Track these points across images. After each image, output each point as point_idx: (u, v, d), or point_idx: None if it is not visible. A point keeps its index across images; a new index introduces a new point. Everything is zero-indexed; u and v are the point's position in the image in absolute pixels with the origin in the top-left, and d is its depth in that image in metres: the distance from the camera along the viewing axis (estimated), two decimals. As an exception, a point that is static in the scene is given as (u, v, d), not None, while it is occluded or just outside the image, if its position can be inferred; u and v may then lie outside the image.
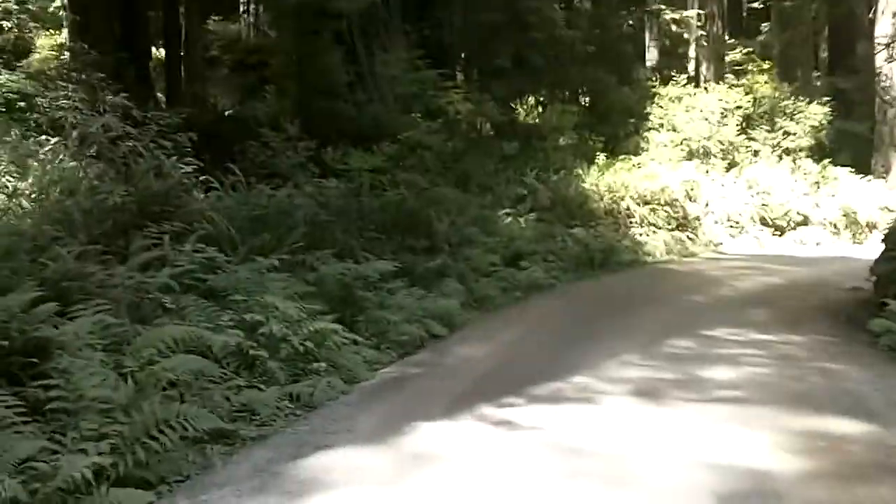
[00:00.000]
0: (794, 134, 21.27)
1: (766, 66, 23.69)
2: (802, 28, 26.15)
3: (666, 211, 17.05)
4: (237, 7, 25.99)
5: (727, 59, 23.46)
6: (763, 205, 19.11)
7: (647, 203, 16.95)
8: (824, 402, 6.20)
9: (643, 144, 19.03)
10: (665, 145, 18.97)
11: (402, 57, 15.78)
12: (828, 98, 21.93)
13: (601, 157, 17.65)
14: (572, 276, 13.32)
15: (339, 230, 10.55)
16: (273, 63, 18.97)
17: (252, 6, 25.73)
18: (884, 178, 23.95)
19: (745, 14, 28.72)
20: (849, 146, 25.52)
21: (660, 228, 16.69)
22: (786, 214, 19.48)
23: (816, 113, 21.34)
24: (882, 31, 24.61)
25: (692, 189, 17.96)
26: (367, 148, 11.96)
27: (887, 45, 24.27)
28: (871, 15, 25.39)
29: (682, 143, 19.35)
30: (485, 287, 11.09)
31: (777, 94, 22.22)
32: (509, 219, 14.55)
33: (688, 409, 5.94)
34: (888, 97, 24.61)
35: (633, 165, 18.05)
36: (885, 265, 10.35)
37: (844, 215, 20.43)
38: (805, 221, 19.84)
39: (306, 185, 11.03)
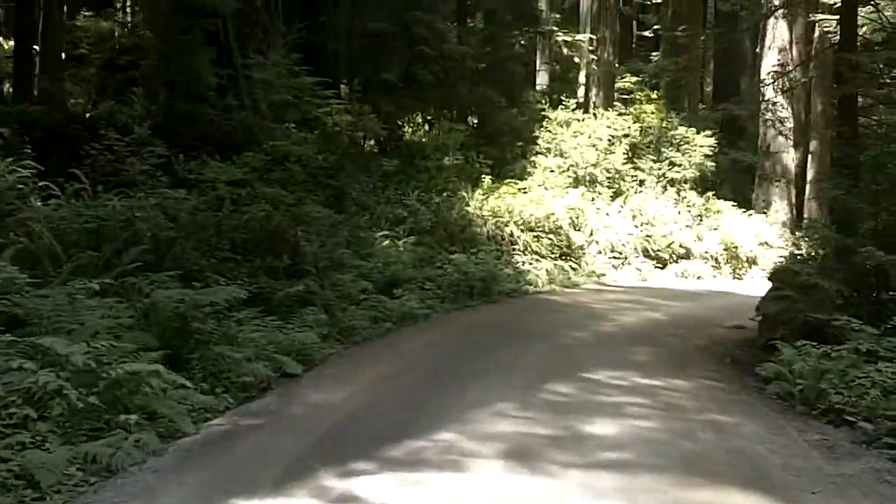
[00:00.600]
0: (680, 165, 21.17)
1: (654, 95, 23.66)
2: (690, 59, 26.34)
3: (550, 239, 16.47)
4: (111, 3, 24.28)
5: (617, 86, 23.28)
6: (647, 236, 18.82)
7: (531, 230, 16.34)
8: (719, 467, 5.47)
9: (530, 168, 18.46)
10: (552, 170, 18.45)
11: (280, 62, 14.65)
12: (713, 131, 21.96)
13: (487, 180, 16.95)
14: (450, 306, 12.48)
15: (190, 248, 9.37)
16: (143, 63, 17.54)
17: (127, 2, 24.08)
18: (765, 212, 24.26)
19: (634, 43, 28.85)
20: (732, 179, 25.82)
21: (543, 257, 16.09)
22: (669, 246, 19.26)
23: (702, 144, 21.31)
24: (769, 64, 25.03)
25: (577, 217, 17.48)
26: (227, 157, 10.77)
27: (773, 80, 24.69)
28: (757, 49, 25.81)
29: (569, 169, 18.89)
30: (353, 316, 10.10)
31: (664, 124, 22.14)
32: (387, 241, 13.65)
33: (567, 479, 5.08)
34: (771, 132, 25.01)
35: (519, 190, 17.43)
36: (773, 305, 9.91)
37: (726, 249, 20.42)
38: (687, 254, 19.69)
39: (154, 195, 9.78)
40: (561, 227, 16.91)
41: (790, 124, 25.17)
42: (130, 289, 7.56)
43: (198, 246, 9.45)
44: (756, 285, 18.73)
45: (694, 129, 21.92)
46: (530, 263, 15.66)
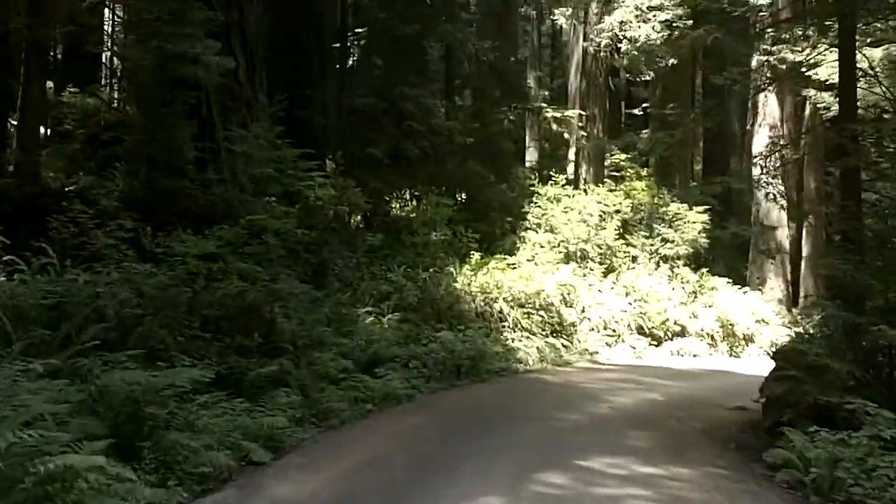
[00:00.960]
0: (673, 241, 20.79)
1: (644, 172, 23.46)
2: (680, 136, 26.26)
3: (541, 315, 15.92)
4: (97, 79, 24.16)
5: (607, 162, 23.07)
6: (641, 313, 18.30)
7: (521, 306, 15.80)
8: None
9: (520, 244, 18.03)
10: (542, 246, 18.02)
11: (262, 134, 14.28)
12: (705, 207, 21.65)
13: (475, 256, 16.47)
14: (436, 385, 11.84)
15: (156, 326, 8.77)
16: (127, 139, 17.24)
17: (113, 79, 23.95)
18: (760, 289, 23.79)
19: (623, 120, 28.84)
20: (725, 255, 25.43)
21: (534, 334, 15.51)
22: (663, 323, 18.72)
23: (695, 221, 20.97)
24: (760, 142, 24.89)
25: (569, 293, 16.97)
26: (199, 231, 10.25)
27: (765, 157, 24.52)
28: (747, 126, 25.74)
29: (559, 245, 18.46)
30: (330, 397, 9.46)
31: (655, 200, 21.86)
32: (370, 318, 13.06)
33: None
34: (764, 209, 24.73)
35: (509, 265, 16.96)
36: (778, 386, 9.31)
37: (722, 327, 19.89)
38: (683, 332, 19.15)
39: (120, 270, 9.23)
40: (552, 304, 16.38)
41: (783, 201, 24.93)
42: (83, 370, 6.93)
43: (165, 323, 8.85)
44: (754, 364, 18.12)
45: (686, 205, 21.61)
46: (520, 341, 15.08)
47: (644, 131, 27.69)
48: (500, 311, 15.39)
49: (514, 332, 15.33)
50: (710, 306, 20.38)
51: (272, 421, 7.63)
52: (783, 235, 24.68)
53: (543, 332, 15.79)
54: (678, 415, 10.82)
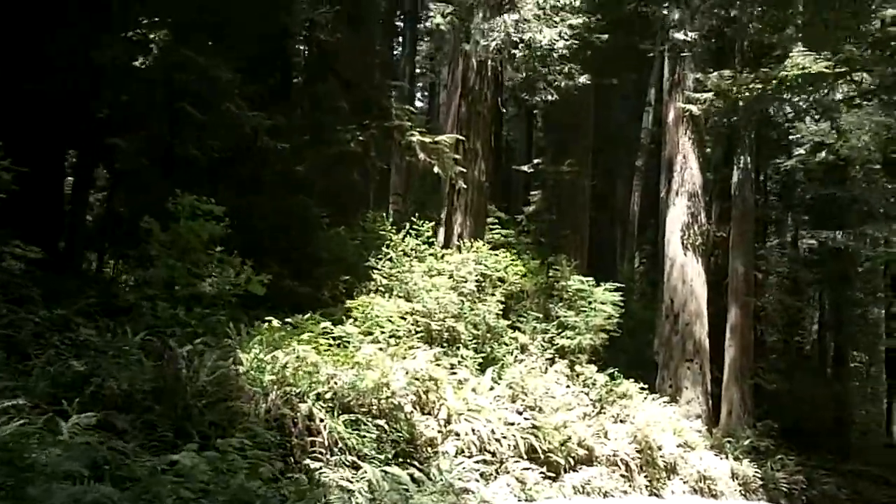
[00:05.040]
0: (574, 328, 15.04)
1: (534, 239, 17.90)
2: (578, 197, 21.00)
3: (380, 427, 9.59)
4: None
5: (489, 219, 17.34)
6: (533, 427, 12.17)
7: (347, 410, 9.46)
8: None
9: (356, 313, 11.73)
10: (390, 319, 11.77)
11: None
12: (615, 285, 16.09)
13: (272, 322, 10.03)
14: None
15: None
16: None
17: None
18: (676, 400, 18.31)
19: (504, 179, 23.47)
20: (623, 352, 19.96)
21: (365, 458, 9.13)
22: (564, 445, 12.66)
23: (603, 302, 15.33)
24: (677, 214, 19.80)
25: (427, 392, 10.79)
26: None
27: (683, 233, 19.44)
28: (662, 194, 20.74)
29: (417, 320, 12.33)
30: None
31: (552, 274, 16.21)
32: (17, 424, 6.40)
33: None
34: (679, 298, 19.51)
35: (335, 344, 10.67)
36: None
37: (640, 452, 14.06)
38: (590, 457, 13.17)
39: None
40: (401, 408, 10.11)
41: (703, 290, 19.82)
42: None
43: None
44: None
45: (591, 281, 16.01)
46: (339, 471, 8.66)
47: (533, 193, 22.34)
48: (309, 418, 8.97)
49: (331, 454, 8.92)
50: (622, 421, 14.61)
51: None
52: (703, 333, 19.42)
53: (382, 456, 9.41)
54: None
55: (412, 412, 10.34)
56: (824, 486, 19.32)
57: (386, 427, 9.69)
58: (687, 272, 19.34)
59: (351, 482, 8.70)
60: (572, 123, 22.23)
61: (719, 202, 22.72)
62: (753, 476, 17.22)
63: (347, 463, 8.96)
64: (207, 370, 8.56)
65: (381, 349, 11.12)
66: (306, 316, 10.46)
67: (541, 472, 11.83)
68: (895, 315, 25.89)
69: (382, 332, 11.19)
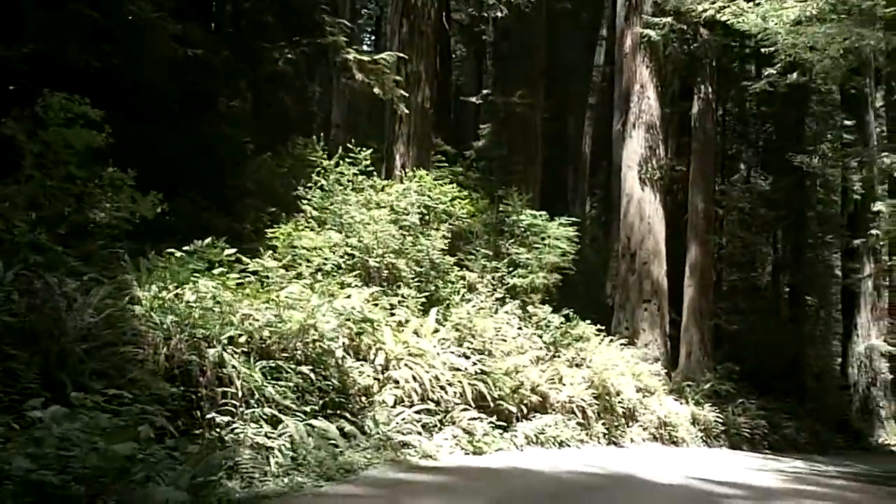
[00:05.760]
0: (527, 267, 13.88)
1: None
2: (530, 133, 19.69)
3: (305, 375, 8.33)
4: None
5: (436, 155, 16.00)
6: (481, 373, 11.02)
7: (266, 356, 8.16)
8: None
9: (278, 245, 10.35)
10: (321, 252, 10.42)
11: None
12: (571, 219, 14.92)
13: (177, 255, 8.63)
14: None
15: None
16: None
17: None
18: (633, 343, 17.34)
19: (453, 111, 22.08)
20: (578, 292, 18.94)
21: (289, 412, 7.86)
22: (516, 392, 11.58)
23: (558, 238, 14.16)
24: (634, 147, 18.67)
25: (362, 335, 9.54)
26: None
27: (640, 167, 18.32)
28: (616, 126, 19.55)
29: (351, 254, 11.02)
30: None
31: (502, 209, 14.99)
32: None
33: None
34: (636, 236, 18.47)
35: (258, 281, 9.32)
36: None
37: (597, 398, 13.06)
38: (544, 405, 12.13)
39: None
40: (330, 353, 8.84)
41: (661, 227, 18.79)
42: None
43: None
44: (650, 456, 12.25)
45: (544, 215, 14.82)
46: (254, 426, 7.39)
47: (483, 126, 20.99)
48: (220, 365, 7.65)
49: (247, 407, 7.63)
50: (578, 365, 13.58)
51: None
52: (661, 273, 18.46)
53: (308, 408, 8.15)
54: None
55: (344, 357, 9.08)
56: (785, 431, 18.68)
57: (312, 375, 8.42)
58: (644, 208, 18.29)
59: (269, 438, 7.45)
60: (523, 54, 20.86)
61: (677, 137, 21.63)
62: (714, 422, 16.43)
63: (265, 417, 7.69)
64: (93, 309, 7.17)
65: (309, 287, 9.83)
66: (205, 242, 8.98)
67: (490, 422, 10.74)
68: (850, 254, 25.24)
69: (308, 267, 9.82)
